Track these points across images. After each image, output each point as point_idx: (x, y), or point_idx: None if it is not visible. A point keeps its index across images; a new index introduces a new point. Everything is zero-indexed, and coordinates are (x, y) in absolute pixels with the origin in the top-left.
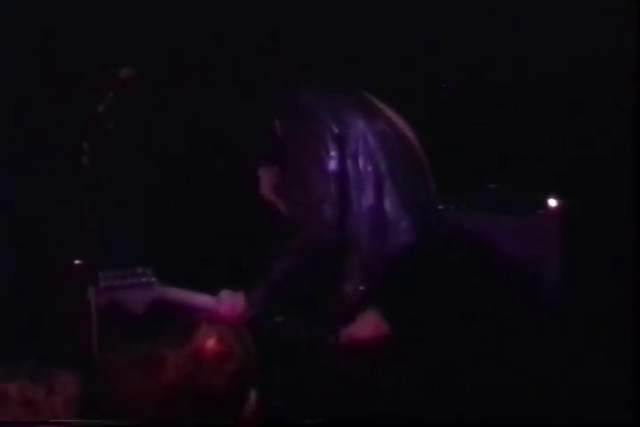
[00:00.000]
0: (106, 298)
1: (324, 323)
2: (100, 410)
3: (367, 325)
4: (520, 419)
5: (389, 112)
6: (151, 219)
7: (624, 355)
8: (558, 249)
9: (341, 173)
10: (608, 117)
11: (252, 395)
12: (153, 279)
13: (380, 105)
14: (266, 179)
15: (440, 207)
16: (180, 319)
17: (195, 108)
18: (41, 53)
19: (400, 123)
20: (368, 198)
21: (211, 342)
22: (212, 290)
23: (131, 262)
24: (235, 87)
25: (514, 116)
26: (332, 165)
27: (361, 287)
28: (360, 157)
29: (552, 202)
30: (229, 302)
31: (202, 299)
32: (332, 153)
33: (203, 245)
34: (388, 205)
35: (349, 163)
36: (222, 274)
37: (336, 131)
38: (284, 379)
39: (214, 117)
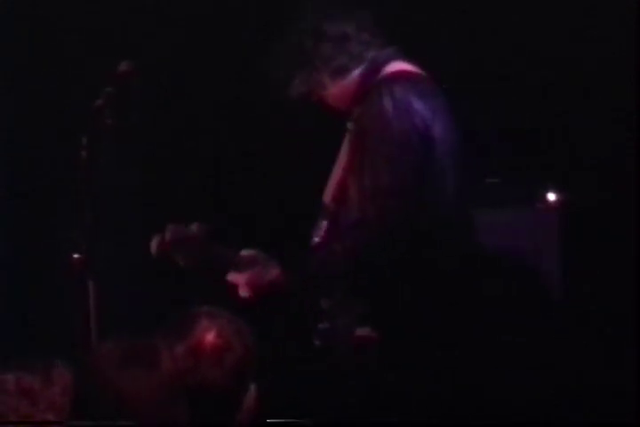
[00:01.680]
0: None
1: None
2: (97, 407)
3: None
4: (519, 419)
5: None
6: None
7: (625, 353)
8: (557, 244)
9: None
10: (608, 111)
11: (252, 389)
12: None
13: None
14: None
15: None
16: (179, 313)
17: (200, 104)
18: (40, 47)
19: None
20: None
21: (210, 336)
22: None
23: None
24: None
25: (514, 110)
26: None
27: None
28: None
29: (551, 196)
30: (261, 266)
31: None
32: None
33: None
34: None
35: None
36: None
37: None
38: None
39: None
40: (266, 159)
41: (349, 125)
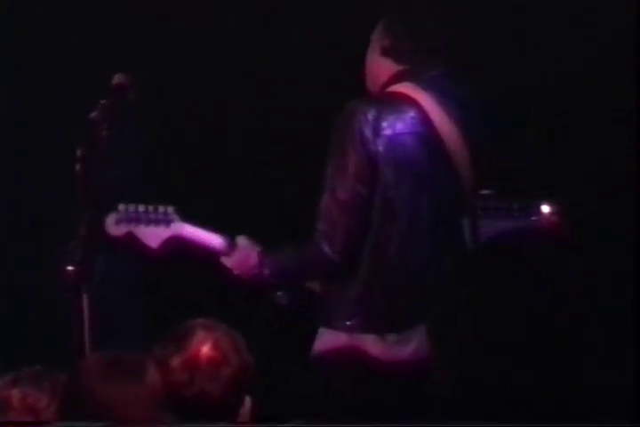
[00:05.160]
0: (123, 230)
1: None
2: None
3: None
4: (520, 419)
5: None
6: None
7: (625, 356)
8: (553, 255)
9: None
10: (606, 122)
11: (247, 401)
12: (173, 217)
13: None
14: None
15: None
16: (176, 326)
17: (195, 114)
18: (35, 60)
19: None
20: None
21: (206, 349)
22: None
23: None
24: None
25: (510, 120)
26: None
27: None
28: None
29: (545, 208)
30: (244, 251)
31: (217, 241)
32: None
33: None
34: None
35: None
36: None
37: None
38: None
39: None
40: (265, 167)
41: None
